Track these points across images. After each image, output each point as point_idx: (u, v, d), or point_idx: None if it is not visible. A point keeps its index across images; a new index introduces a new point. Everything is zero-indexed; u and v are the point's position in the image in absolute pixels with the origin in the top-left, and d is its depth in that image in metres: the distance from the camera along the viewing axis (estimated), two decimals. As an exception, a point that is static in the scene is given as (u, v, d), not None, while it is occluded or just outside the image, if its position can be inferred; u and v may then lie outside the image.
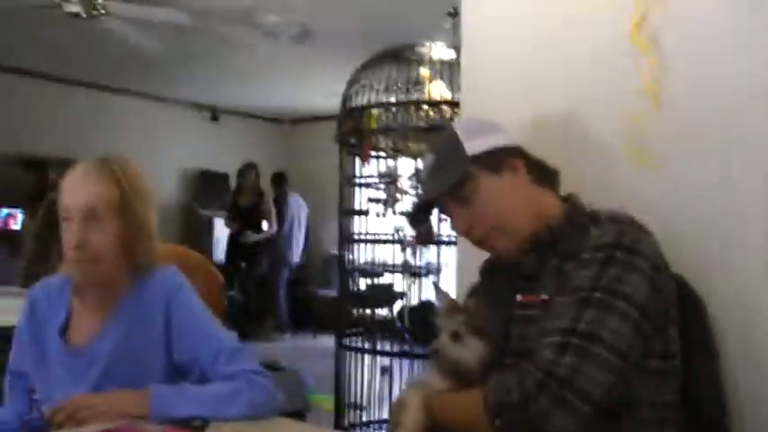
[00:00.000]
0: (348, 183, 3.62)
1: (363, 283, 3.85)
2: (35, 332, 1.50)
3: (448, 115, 3.20)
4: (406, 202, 3.28)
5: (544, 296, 1.28)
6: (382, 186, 3.43)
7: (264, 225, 7.26)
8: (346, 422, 3.59)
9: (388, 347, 3.58)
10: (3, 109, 6.81)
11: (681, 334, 1.28)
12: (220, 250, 7.68)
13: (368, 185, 3.57)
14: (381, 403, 3.64)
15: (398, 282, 3.93)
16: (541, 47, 1.73)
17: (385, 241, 3.50)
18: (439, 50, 3.39)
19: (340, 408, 3.60)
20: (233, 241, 7.33)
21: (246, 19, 5.36)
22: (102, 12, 4.64)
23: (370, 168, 3.56)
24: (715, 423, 1.34)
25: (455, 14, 3.67)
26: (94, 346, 1.45)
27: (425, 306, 3.34)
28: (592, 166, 1.61)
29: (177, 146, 8.47)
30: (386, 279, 4.07)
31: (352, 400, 3.57)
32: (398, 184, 3.33)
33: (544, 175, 1.41)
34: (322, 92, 7.32)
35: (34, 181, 4.10)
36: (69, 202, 1.42)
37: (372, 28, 5.22)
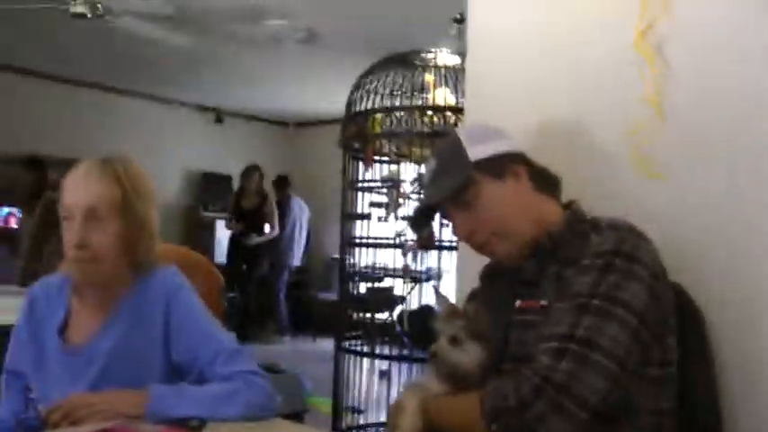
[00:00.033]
0: (350, 187, 3.62)
1: (364, 287, 3.85)
2: (34, 331, 1.50)
3: (452, 121, 3.20)
4: (409, 207, 3.28)
5: (543, 302, 1.28)
6: (385, 191, 3.43)
7: (266, 228, 7.26)
8: (344, 425, 3.58)
9: (387, 351, 3.57)
10: (4, 108, 6.83)
11: (678, 342, 1.28)
12: (222, 252, 7.70)
13: (370, 190, 3.57)
14: (379, 407, 3.63)
15: (399, 286, 3.93)
16: (547, 53, 1.73)
17: (386, 245, 3.50)
18: (444, 56, 3.39)
19: (338, 411, 3.60)
20: (235, 243, 7.34)
21: (253, 23, 5.38)
22: (106, 14, 4.65)
23: (373, 173, 3.56)
24: (710, 430, 1.34)
25: (461, 21, 3.67)
26: (93, 345, 1.45)
27: (425, 310, 3.34)
28: (596, 173, 1.61)
29: (181, 147, 8.49)
30: (386, 283, 4.07)
31: (351, 403, 3.56)
32: (401, 189, 3.32)
33: (546, 182, 1.41)
34: (327, 96, 7.34)
35: (33, 180, 4.11)
36: (71, 202, 1.42)
37: (378, 33, 5.23)
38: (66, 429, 1.25)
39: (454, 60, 3.34)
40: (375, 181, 3.51)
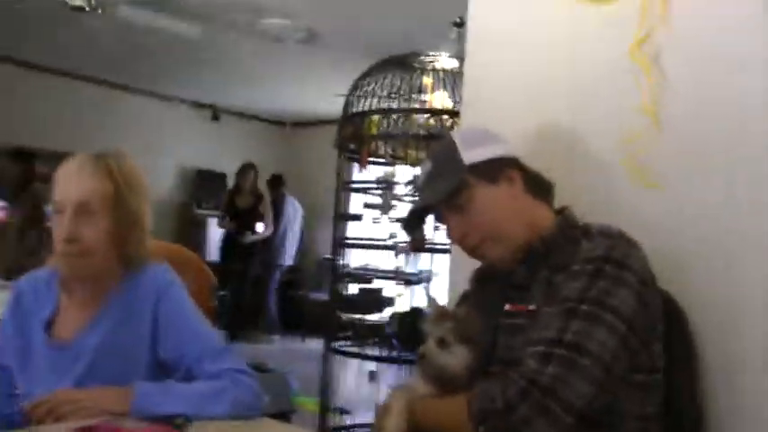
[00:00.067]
0: (344, 187, 3.61)
1: (355, 288, 3.84)
2: (20, 325, 1.49)
3: (448, 124, 3.20)
4: (402, 209, 3.28)
5: (532, 306, 1.29)
6: (378, 192, 3.42)
7: (260, 226, 7.24)
8: (331, 425, 3.57)
9: (376, 352, 3.57)
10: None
11: (664, 348, 1.29)
12: (214, 249, 7.67)
13: (364, 191, 3.56)
14: (367, 407, 3.63)
15: (391, 288, 3.93)
16: (545, 59, 1.73)
17: (377, 247, 3.49)
18: (443, 60, 3.39)
19: (325, 410, 3.59)
20: (229, 241, 7.31)
21: (253, 22, 5.37)
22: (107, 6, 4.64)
23: (368, 174, 3.55)
24: None
25: (461, 24, 3.67)
26: (80, 341, 1.44)
27: (415, 312, 3.34)
28: (592, 181, 1.61)
29: (176, 144, 8.46)
30: (377, 285, 4.06)
31: (339, 404, 3.56)
32: (394, 191, 3.32)
33: (539, 187, 1.42)
34: (326, 96, 7.32)
35: (19, 172, 4.10)
36: (62, 196, 1.41)
37: (378, 35, 5.23)
38: (50, 426, 1.24)
39: (452, 64, 3.34)
40: (369, 182, 3.51)
